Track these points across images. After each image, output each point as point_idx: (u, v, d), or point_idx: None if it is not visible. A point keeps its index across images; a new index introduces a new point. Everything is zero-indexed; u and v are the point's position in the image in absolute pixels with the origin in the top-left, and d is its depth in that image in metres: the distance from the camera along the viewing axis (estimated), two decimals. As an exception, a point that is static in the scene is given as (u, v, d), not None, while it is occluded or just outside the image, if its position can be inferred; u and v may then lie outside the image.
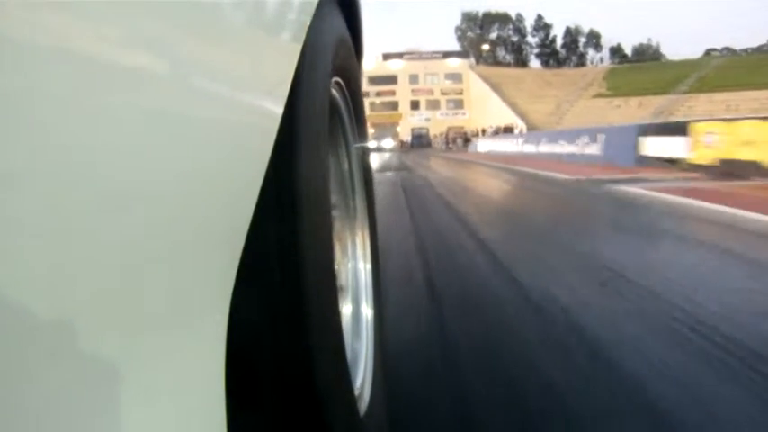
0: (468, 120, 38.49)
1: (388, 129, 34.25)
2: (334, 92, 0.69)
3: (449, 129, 34.39)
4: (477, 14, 59.13)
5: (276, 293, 0.39)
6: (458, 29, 58.87)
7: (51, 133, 0.18)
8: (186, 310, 0.28)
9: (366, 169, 0.93)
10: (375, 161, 10.80)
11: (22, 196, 0.17)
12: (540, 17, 60.96)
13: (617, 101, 30.22)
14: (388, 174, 7.75)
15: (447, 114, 40.60)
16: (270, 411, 0.42)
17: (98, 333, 0.21)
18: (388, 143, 28.80)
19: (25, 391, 0.18)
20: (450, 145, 30.52)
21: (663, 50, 60.08)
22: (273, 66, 0.40)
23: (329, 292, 0.48)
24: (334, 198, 0.77)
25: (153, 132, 0.24)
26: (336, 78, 0.68)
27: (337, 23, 0.67)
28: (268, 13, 0.40)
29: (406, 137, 35.38)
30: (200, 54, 0.28)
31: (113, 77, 0.21)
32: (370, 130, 29.03)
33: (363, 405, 0.65)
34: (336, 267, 0.69)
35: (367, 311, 0.83)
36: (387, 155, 18.43)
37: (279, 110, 0.39)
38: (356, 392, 0.64)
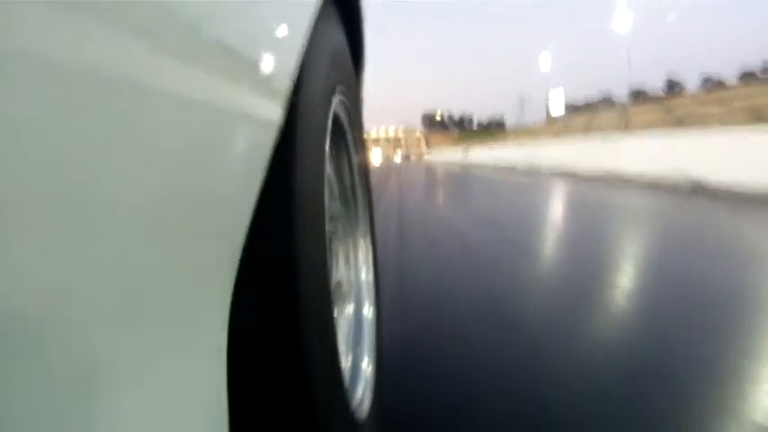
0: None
1: (398, 152, 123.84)
2: (335, 102, 0.70)
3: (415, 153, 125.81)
4: (426, 112, 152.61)
5: (272, 296, 0.41)
6: (422, 117, 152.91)
7: (50, 135, 0.18)
8: (187, 311, 0.28)
9: (366, 179, 0.95)
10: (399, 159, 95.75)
11: (21, 198, 0.17)
12: (449, 111, 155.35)
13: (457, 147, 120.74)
14: (398, 159, 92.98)
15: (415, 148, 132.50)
16: (269, 411, 0.43)
17: (99, 334, 0.21)
18: (399, 157, 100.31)
19: (25, 392, 0.17)
20: (411, 158, 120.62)
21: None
22: (272, 71, 0.40)
23: (323, 293, 0.49)
24: (336, 206, 0.81)
25: (152, 137, 0.24)
26: (338, 89, 0.70)
27: (337, 37, 0.70)
28: (266, 19, 0.41)
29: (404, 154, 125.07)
30: (199, 58, 0.28)
31: (113, 82, 0.21)
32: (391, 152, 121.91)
33: (363, 408, 0.68)
34: (339, 275, 0.75)
35: (368, 316, 0.85)
36: (399, 159, 68.38)
37: (277, 116, 0.39)
38: (357, 396, 0.68)
